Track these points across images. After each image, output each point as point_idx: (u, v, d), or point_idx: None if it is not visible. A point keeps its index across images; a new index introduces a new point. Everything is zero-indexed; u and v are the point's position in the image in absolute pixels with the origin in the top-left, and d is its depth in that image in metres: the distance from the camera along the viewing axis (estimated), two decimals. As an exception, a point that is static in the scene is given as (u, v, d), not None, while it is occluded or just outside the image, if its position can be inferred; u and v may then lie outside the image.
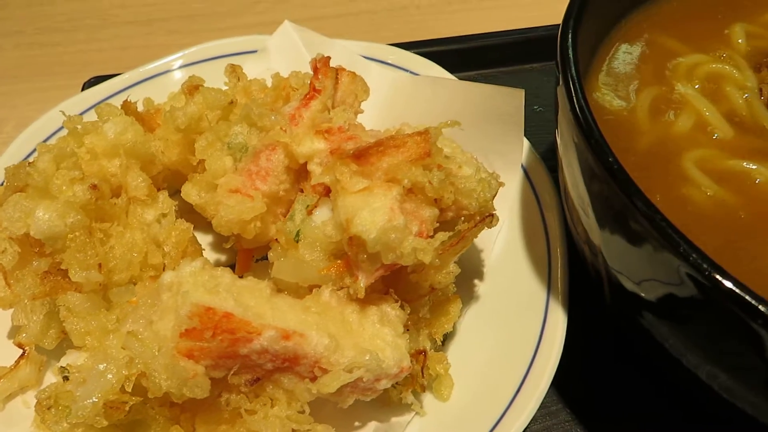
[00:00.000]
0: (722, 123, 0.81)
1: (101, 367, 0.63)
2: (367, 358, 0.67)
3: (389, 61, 1.12)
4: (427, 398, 0.82)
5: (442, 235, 0.70)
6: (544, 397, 0.87)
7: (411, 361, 0.74)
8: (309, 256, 0.75)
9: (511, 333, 0.84)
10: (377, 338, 0.70)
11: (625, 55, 0.90)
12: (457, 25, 1.43)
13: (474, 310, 0.89)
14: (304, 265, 0.76)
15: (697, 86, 0.86)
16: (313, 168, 0.81)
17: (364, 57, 1.11)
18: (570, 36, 0.75)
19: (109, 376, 0.63)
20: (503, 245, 0.94)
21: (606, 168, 0.63)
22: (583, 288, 0.86)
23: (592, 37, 0.88)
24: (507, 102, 0.93)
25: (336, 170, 0.73)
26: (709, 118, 0.82)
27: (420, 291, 0.77)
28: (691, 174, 0.76)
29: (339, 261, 0.74)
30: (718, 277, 0.55)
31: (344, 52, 1.10)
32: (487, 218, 0.75)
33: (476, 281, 0.92)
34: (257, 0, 1.48)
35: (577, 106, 0.68)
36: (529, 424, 0.86)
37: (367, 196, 0.69)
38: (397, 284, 0.77)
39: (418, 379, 0.76)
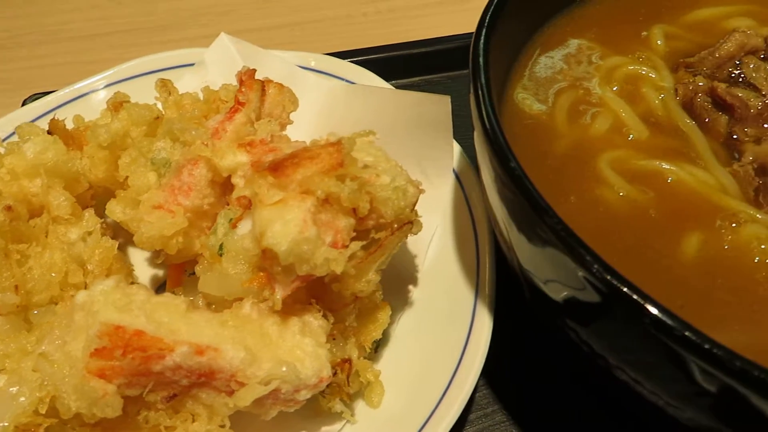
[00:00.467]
0: (638, 124, 0.83)
1: (13, 390, 0.63)
2: (284, 369, 0.67)
3: (325, 71, 1.13)
4: (359, 405, 0.83)
5: (355, 245, 0.70)
6: (480, 399, 0.89)
7: (336, 370, 0.75)
8: (232, 270, 0.76)
9: (441, 337, 0.85)
10: (297, 349, 0.70)
11: (546, 59, 0.91)
12: (402, 32, 1.44)
13: (407, 316, 0.90)
14: (228, 278, 0.76)
15: (615, 88, 0.87)
16: (237, 181, 0.81)
17: (301, 67, 1.12)
18: (482, 43, 0.76)
19: (22, 399, 0.62)
20: (436, 251, 0.94)
21: (509, 174, 0.64)
22: (514, 289, 0.87)
23: (511, 42, 0.89)
24: (436, 108, 0.94)
25: (254, 183, 0.74)
26: (625, 119, 0.83)
27: (343, 300, 0.77)
28: (605, 175, 0.78)
29: (261, 274, 0.75)
30: (615, 282, 0.56)
31: (280, 63, 1.10)
32: (406, 226, 0.76)
33: (410, 287, 0.93)
34: (200, 13, 1.48)
35: (484, 113, 0.69)
36: (465, 426, 0.87)
37: (282, 208, 0.69)
38: (321, 294, 0.77)
39: (344, 387, 0.77)
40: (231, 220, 0.78)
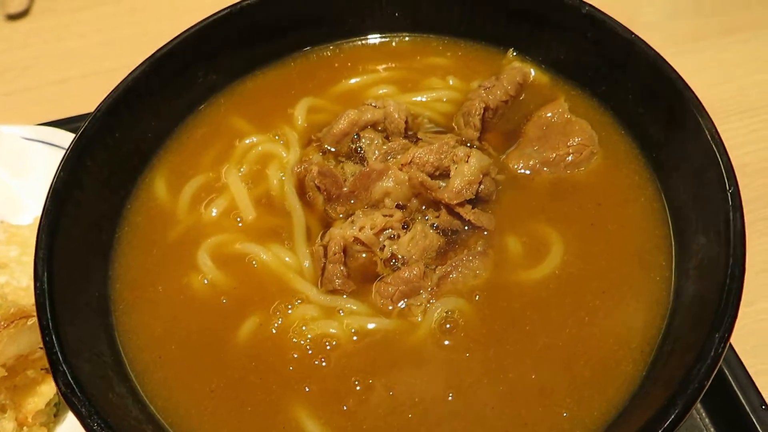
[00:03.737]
0: (247, 206, 0.92)
1: None
2: None
3: (54, 142, 1.22)
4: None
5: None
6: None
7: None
8: None
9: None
10: None
11: (197, 141, 1.00)
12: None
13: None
14: None
15: (243, 169, 0.96)
16: None
17: (27, 139, 1.21)
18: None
19: None
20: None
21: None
22: None
23: (158, 122, 0.97)
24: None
25: None
26: (239, 202, 0.92)
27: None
28: (199, 262, 0.87)
29: None
30: None
31: (4, 138, 1.19)
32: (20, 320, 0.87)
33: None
34: None
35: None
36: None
37: None
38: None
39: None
40: None
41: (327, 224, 0.90)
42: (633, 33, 0.89)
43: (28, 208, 1.19)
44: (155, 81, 0.95)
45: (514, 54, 1.03)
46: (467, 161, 0.87)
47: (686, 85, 0.82)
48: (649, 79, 0.87)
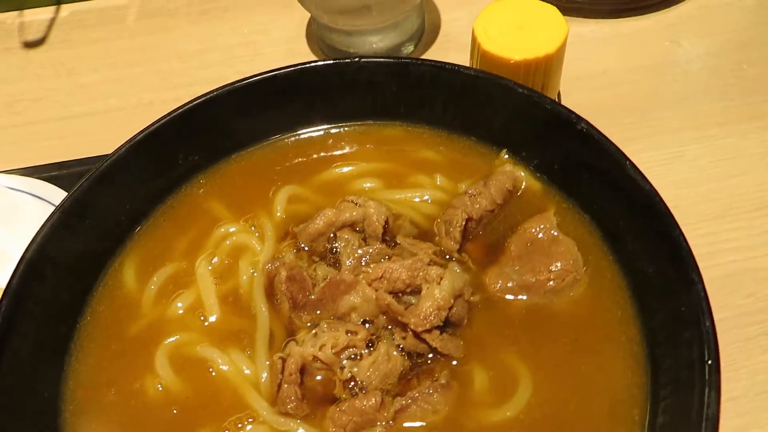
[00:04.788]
0: (213, 304, 0.89)
1: None
2: None
3: (38, 194, 1.21)
4: None
5: None
6: None
7: None
8: None
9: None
10: None
11: (173, 224, 0.98)
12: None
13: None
14: None
15: (215, 261, 0.93)
16: None
17: (12, 189, 1.20)
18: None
19: None
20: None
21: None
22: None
23: (134, 204, 0.95)
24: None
25: None
26: (204, 299, 0.90)
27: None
28: (156, 364, 0.85)
29: None
30: None
31: (-6, 189, 1.19)
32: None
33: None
34: None
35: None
36: None
37: None
38: None
39: None
40: None
41: (291, 332, 0.87)
42: (627, 159, 0.83)
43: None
44: (134, 164, 0.93)
45: (507, 156, 0.98)
46: (439, 283, 0.83)
47: (681, 234, 0.76)
48: (640, 213, 0.82)
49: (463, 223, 0.90)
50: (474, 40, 1.05)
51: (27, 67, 1.65)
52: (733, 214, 1.25)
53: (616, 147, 0.85)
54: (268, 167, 1.02)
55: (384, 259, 0.88)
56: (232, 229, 0.96)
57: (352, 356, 0.83)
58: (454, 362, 0.82)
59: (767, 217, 1.27)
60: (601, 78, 1.33)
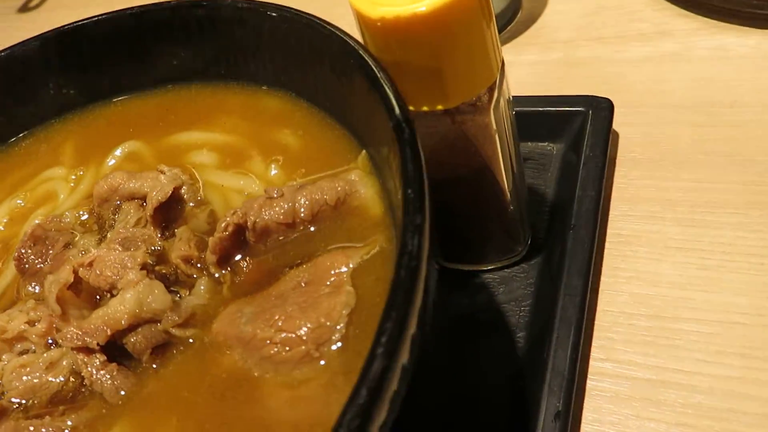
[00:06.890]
0: (-19, 247, 0.77)
1: None
2: None
3: None
4: None
5: None
6: None
7: None
8: None
9: None
10: None
11: (20, 157, 0.88)
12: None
13: None
14: None
15: (19, 202, 0.81)
16: None
17: None
18: None
19: None
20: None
21: None
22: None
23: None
24: None
25: None
26: (-21, 238, 0.78)
27: None
28: None
29: None
30: None
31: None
32: None
33: None
34: None
35: None
36: None
37: None
38: None
39: None
40: None
41: (13, 301, 0.70)
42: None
43: None
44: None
45: (365, 160, 0.67)
46: (126, 295, 0.58)
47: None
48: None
49: (230, 232, 0.63)
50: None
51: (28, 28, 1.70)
52: None
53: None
54: (134, 118, 0.86)
55: (118, 248, 0.65)
56: (54, 174, 0.83)
57: (20, 351, 0.63)
58: (103, 410, 0.57)
59: None
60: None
